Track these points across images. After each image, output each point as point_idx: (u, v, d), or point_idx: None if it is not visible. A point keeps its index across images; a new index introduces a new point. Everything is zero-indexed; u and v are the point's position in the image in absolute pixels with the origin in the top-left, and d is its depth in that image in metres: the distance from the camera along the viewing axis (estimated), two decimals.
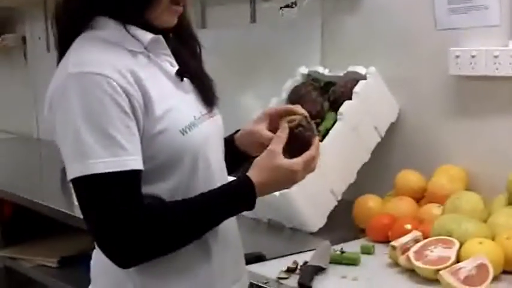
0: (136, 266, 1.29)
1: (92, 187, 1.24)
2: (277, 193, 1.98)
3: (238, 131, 1.58)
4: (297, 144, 1.39)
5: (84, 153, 1.22)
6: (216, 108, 1.47)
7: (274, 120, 1.49)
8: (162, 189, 1.32)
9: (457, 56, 2.03)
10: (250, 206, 1.36)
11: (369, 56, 2.29)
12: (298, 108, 1.46)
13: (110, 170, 1.22)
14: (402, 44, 2.23)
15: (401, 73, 2.23)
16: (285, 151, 1.38)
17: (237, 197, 1.35)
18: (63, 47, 1.35)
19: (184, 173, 1.33)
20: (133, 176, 1.25)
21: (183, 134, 1.31)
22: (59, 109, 1.26)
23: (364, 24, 2.34)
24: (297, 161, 1.36)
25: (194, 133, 1.34)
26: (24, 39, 4.26)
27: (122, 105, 1.24)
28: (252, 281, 1.65)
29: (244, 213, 2.14)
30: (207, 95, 1.44)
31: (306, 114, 1.44)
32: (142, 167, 1.26)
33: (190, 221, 1.30)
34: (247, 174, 1.36)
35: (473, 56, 2.00)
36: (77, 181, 1.24)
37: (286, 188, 1.44)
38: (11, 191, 2.84)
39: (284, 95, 2.33)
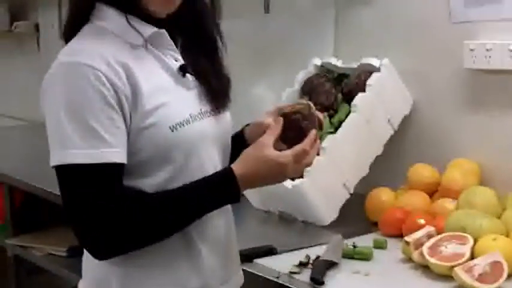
0: (112, 257, 1.29)
1: (69, 177, 1.24)
2: (289, 185, 1.98)
3: (248, 125, 1.56)
4: (292, 133, 1.37)
5: (64, 142, 1.23)
6: (225, 108, 1.45)
7: None
8: (149, 184, 1.31)
9: (472, 50, 2.01)
10: (234, 198, 1.34)
11: (383, 48, 2.27)
12: (307, 101, 1.44)
13: (87, 162, 1.22)
14: (416, 37, 2.21)
15: (415, 66, 2.21)
16: (281, 139, 1.36)
17: (218, 188, 1.32)
18: (68, 36, 1.35)
19: (173, 170, 1.32)
20: (112, 168, 1.24)
21: (173, 131, 1.30)
22: (46, 97, 1.27)
23: (378, 16, 2.32)
24: (285, 154, 1.33)
25: (186, 130, 1.32)
26: (37, 26, 4.25)
27: (106, 97, 1.24)
28: (262, 275, 1.64)
29: (255, 205, 2.18)
30: (216, 95, 1.42)
31: (311, 104, 1.41)
32: (124, 160, 1.26)
33: (169, 212, 1.29)
34: (231, 165, 1.34)
35: (488, 50, 1.97)
36: (56, 169, 1.25)
37: (279, 182, 1.39)
38: (21, 178, 2.84)
39: (297, 86, 2.31)
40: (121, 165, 1.26)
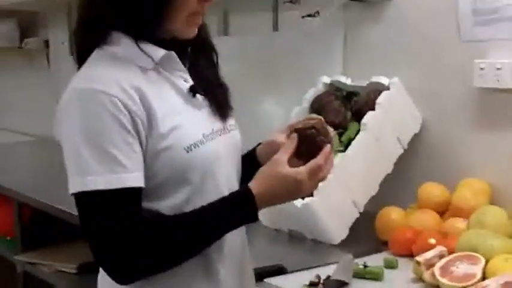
0: (134, 281, 1.29)
1: (89, 203, 1.24)
2: (298, 204, 1.98)
3: (260, 144, 1.56)
4: (307, 148, 1.37)
5: (83, 169, 1.23)
6: (231, 120, 1.46)
7: None
8: (166, 206, 1.31)
9: (482, 68, 2.01)
10: (252, 218, 1.34)
11: (392, 66, 2.27)
12: (318, 116, 1.44)
13: (107, 187, 1.23)
14: (426, 55, 2.21)
15: (424, 84, 2.21)
16: (295, 154, 1.36)
17: (237, 208, 1.32)
18: (80, 61, 1.37)
19: (189, 191, 1.32)
20: (131, 193, 1.25)
21: (188, 152, 1.31)
22: (62, 123, 1.27)
23: (387, 34, 2.32)
24: (301, 170, 1.33)
25: (201, 151, 1.33)
26: (46, 43, 4.27)
27: (123, 122, 1.24)
28: None
29: (265, 223, 2.18)
30: (221, 109, 1.43)
31: (322, 119, 1.41)
32: (142, 184, 1.27)
33: (189, 234, 1.30)
34: (249, 184, 1.34)
35: (498, 69, 1.97)
36: (75, 196, 1.25)
37: (295, 199, 1.41)
38: (30, 195, 2.83)
39: (306, 104, 2.31)
40: (140, 189, 1.27)
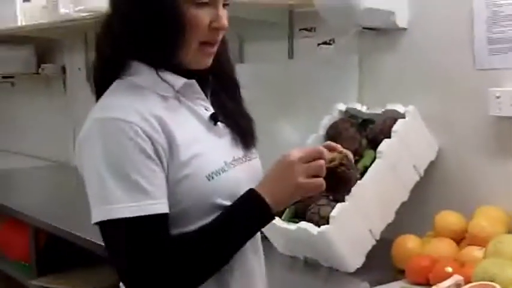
0: None
1: (115, 231, 1.25)
2: (314, 231, 1.99)
3: None
4: (339, 184, 1.37)
5: (107, 198, 1.23)
6: (254, 150, 1.46)
7: None
8: None
9: (498, 97, 2.01)
10: (264, 209, 1.30)
11: (407, 94, 2.28)
12: (337, 146, 1.41)
13: (132, 215, 1.23)
14: (441, 83, 2.22)
15: (440, 112, 2.22)
16: (329, 190, 1.36)
17: (245, 204, 1.32)
18: (99, 91, 1.38)
19: (211, 219, 1.31)
20: (157, 219, 1.25)
21: (209, 180, 1.31)
22: (84, 154, 1.28)
23: (402, 62, 2.33)
24: (295, 152, 1.31)
25: (222, 179, 1.33)
26: (63, 69, 4.32)
27: (145, 149, 1.25)
28: None
29: (281, 250, 2.18)
30: (244, 138, 1.44)
31: (347, 152, 1.40)
32: (166, 210, 1.26)
33: (214, 249, 1.29)
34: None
35: None
36: (100, 225, 1.26)
37: (294, 186, 1.30)
38: (45, 220, 2.85)
39: (322, 131, 2.32)
40: (165, 215, 1.26)
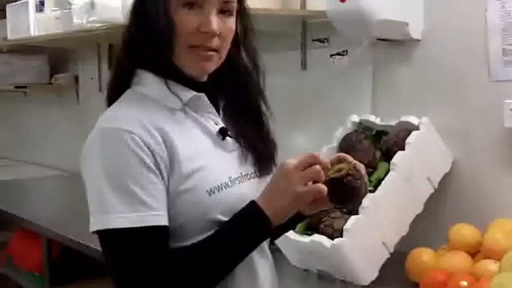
0: None
1: (113, 242, 1.25)
2: (328, 244, 1.98)
3: None
4: (346, 194, 1.35)
5: (105, 207, 1.23)
6: (270, 172, 1.44)
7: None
8: None
9: None
10: (265, 227, 1.28)
11: (421, 105, 2.27)
12: (347, 156, 1.39)
13: (129, 226, 1.22)
14: (455, 94, 2.21)
15: (454, 123, 2.21)
16: (335, 201, 1.35)
17: (243, 216, 1.29)
18: (110, 101, 1.39)
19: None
20: (154, 231, 1.24)
21: (210, 195, 1.30)
22: (85, 162, 1.29)
23: (416, 74, 2.32)
24: (291, 161, 1.28)
25: (224, 194, 1.32)
26: (76, 78, 4.33)
27: (145, 161, 1.25)
28: None
29: (294, 263, 2.17)
30: (262, 159, 1.43)
31: (356, 163, 1.38)
32: (165, 222, 1.26)
33: (213, 262, 1.28)
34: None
35: None
36: (99, 234, 1.26)
37: (293, 194, 1.27)
38: (59, 231, 2.85)
39: (335, 143, 2.31)
40: (164, 227, 1.26)
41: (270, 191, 1.30)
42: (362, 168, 1.39)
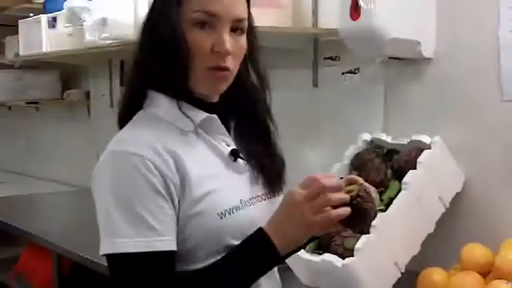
0: None
1: (119, 265, 1.24)
2: (339, 263, 1.96)
3: None
4: (355, 216, 1.31)
5: (113, 231, 1.23)
6: (280, 192, 1.43)
7: None
8: None
9: None
10: (270, 250, 1.25)
11: (433, 124, 2.26)
12: (358, 178, 1.37)
13: (136, 250, 1.22)
14: (467, 113, 2.20)
15: (466, 142, 2.20)
16: (344, 223, 1.32)
17: (251, 244, 1.27)
18: (122, 122, 1.38)
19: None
20: (161, 256, 1.24)
21: (221, 218, 1.29)
22: (96, 185, 1.29)
23: (428, 92, 2.32)
24: (299, 191, 1.24)
25: (235, 217, 1.31)
26: (88, 94, 4.34)
27: (155, 184, 1.24)
28: None
29: (304, 281, 2.16)
30: (270, 178, 1.41)
31: (366, 185, 1.35)
32: (173, 247, 1.25)
33: (218, 287, 1.27)
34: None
35: None
36: (107, 257, 1.25)
37: (305, 226, 1.25)
38: (69, 248, 2.84)
39: (347, 160, 2.31)
40: (171, 252, 1.25)
41: (279, 219, 1.27)
42: (372, 190, 1.38)
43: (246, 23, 1.36)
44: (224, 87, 1.36)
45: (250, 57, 1.42)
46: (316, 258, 2.05)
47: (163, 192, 1.25)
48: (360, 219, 1.33)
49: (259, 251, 1.27)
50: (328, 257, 2.01)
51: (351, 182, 1.35)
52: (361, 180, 1.37)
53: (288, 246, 1.27)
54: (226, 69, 1.32)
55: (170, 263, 1.26)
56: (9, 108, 5.01)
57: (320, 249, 2.11)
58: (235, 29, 1.33)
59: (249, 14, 1.38)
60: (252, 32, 1.40)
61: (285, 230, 1.25)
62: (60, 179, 4.60)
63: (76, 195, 4.21)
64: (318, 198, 1.23)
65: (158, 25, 1.32)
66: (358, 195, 1.32)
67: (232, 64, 1.34)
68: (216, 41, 1.30)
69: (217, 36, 1.30)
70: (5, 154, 5.36)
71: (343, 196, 1.26)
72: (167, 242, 1.25)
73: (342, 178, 1.37)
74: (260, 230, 1.27)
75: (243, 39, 1.36)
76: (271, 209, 1.34)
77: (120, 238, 1.22)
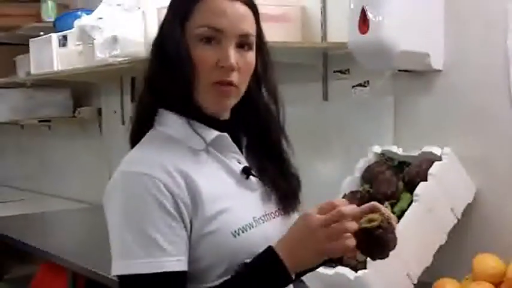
0: None
1: (131, 286, 1.24)
2: (351, 276, 1.97)
3: None
4: (375, 246, 1.30)
5: (124, 252, 1.23)
6: (295, 210, 1.42)
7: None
8: None
9: None
10: (280, 270, 1.24)
11: (443, 135, 2.27)
12: (381, 207, 1.31)
13: (147, 271, 1.22)
14: (477, 124, 2.21)
15: (477, 153, 2.20)
16: (364, 252, 1.31)
17: (263, 269, 1.26)
18: (133, 141, 1.38)
19: None
20: (173, 277, 1.24)
21: (235, 237, 1.28)
22: (108, 206, 1.29)
23: (437, 104, 2.32)
24: (313, 216, 1.23)
25: (249, 235, 1.30)
26: (99, 111, 4.37)
27: (165, 205, 1.24)
28: None
29: None
30: (285, 197, 1.40)
31: (390, 215, 1.32)
32: (184, 268, 1.25)
33: None
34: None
35: None
36: (119, 278, 1.25)
37: (314, 250, 1.23)
38: (84, 265, 2.86)
39: (358, 173, 2.32)
40: (182, 272, 1.25)
41: (291, 241, 1.26)
42: (394, 220, 1.34)
43: (253, 39, 1.35)
44: (231, 102, 1.35)
45: (264, 76, 1.41)
46: (329, 271, 2.05)
47: (174, 213, 1.25)
48: (380, 250, 1.31)
49: (267, 268, 1.26)
50: (341, 269, 2.02)
51: (373, 210, 1.31)
52: (383, 209, 1.33)
53: (298, 266, 1.27)
54: (230, 83, 1.32)
55: (181, 283, 1.25)
56: (22, 127, 5.04)
57: (332, 261, 2.11)
58: (242, 45, 1.33)
59: (260, 30, 1.38)
60: (263, 48, 1.40)
61: (297, 252, 1.24)
62: (73, 196, 4.62)
63: (89, 212, 4.22)
64: (335, 225, 1.22)
65: (165, 42, 1.33)
66: (380, 226, 1.29)
67: (238, 79, 1.32)
68: (221, 56, 1.30)
69: (223, 51, 1.30)
70: (18, 172, 5.40)
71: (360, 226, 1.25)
72: (178, 263, 1.25)
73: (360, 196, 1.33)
74: (270, 248, 1.26)
75: (250, 55, 1.35)
76: (285, 225, 1.33)
77: (132, 259, 1.22)
